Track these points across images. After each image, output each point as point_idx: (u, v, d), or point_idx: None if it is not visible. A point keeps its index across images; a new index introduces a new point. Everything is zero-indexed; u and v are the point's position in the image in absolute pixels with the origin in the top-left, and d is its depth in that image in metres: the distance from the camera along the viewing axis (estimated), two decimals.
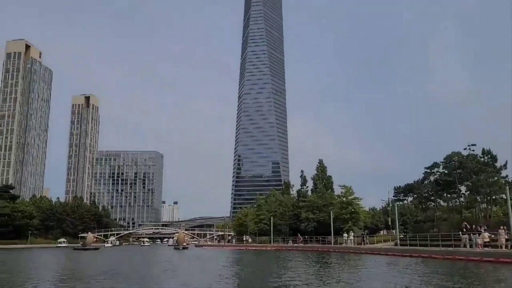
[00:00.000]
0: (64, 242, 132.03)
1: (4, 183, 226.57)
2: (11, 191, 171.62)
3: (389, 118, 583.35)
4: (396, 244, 53.42)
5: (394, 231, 70.93)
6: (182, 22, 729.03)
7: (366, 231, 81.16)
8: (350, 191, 76.89)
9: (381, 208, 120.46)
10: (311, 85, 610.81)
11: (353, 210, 74.90)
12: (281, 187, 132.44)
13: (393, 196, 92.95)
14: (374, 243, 64.49)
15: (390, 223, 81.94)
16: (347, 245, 63.67)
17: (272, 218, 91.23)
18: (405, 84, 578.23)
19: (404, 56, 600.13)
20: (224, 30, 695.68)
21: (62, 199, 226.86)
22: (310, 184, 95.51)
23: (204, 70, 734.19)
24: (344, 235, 69.39)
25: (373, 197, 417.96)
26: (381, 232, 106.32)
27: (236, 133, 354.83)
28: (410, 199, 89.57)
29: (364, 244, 61.79)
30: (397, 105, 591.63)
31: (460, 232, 40.21)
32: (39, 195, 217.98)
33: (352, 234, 67.96)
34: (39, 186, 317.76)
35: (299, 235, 79.73)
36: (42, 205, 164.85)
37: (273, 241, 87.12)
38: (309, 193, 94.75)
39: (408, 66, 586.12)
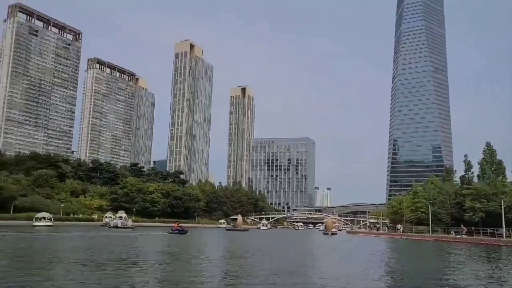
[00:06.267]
0: (223, 223, 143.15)
1: (176, 169, 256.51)
2: (181, 176, 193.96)
3: None
4: None
5: None
6: (330, 13, 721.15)
7: None
8: None
9: None
10: (477, 60, 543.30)
11: None
12: (442, 173, 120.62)
13: None
14: None
15: None
16: None
17: (430, 206, 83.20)
18: None
19: None
20: (376, 11, 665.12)
21: (223, 184, 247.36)
22: (476, 169, 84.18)
23: (354, 55, 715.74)
24: None
25: None
26: None
27: (390, 116, 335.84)
28: None
29: None
30: None
31: None
32: (204, 180, 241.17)
33: None
34: (204, 172, 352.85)
35: (462, 225, 70.74)
36: (206, 189, 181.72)
37: (432, 231, 79.34)
38: (475, 179, 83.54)
39: None
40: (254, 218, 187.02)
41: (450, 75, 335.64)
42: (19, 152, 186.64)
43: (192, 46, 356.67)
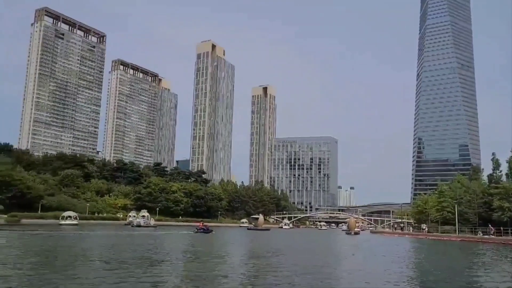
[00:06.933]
0: (245, 222, 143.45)
1: (198, 169, 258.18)
2: (203, 175, 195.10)
3: None
4: None
5: None
6: (349, 14, 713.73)
7: None
8: None
9: None
10: (505, 56, 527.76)
11: None
12: (468, 171, 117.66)
13: None
14: None
15: None
16: None
17: (456, 206, 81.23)
18: None
19: None
20: (400, 10, 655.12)
21: (246, 183, 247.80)
22: (504, 168, 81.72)
23: (377, 55, 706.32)
24: None
25: None
26: None
27: (415, 114, 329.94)
28: None
29: None
30: None
31: None
32: (226, 180, 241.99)
33: None
34: (226, 171, 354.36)
35: (490, 225, 68.85)
36: (228, 189, 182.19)
37: (458, 231, 77.46)
38: (503, 178, 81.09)
39: None
40: (276, 217, 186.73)
41: (477, 71, 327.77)
42: (47, 152, 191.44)
43: (213, 46, 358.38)
